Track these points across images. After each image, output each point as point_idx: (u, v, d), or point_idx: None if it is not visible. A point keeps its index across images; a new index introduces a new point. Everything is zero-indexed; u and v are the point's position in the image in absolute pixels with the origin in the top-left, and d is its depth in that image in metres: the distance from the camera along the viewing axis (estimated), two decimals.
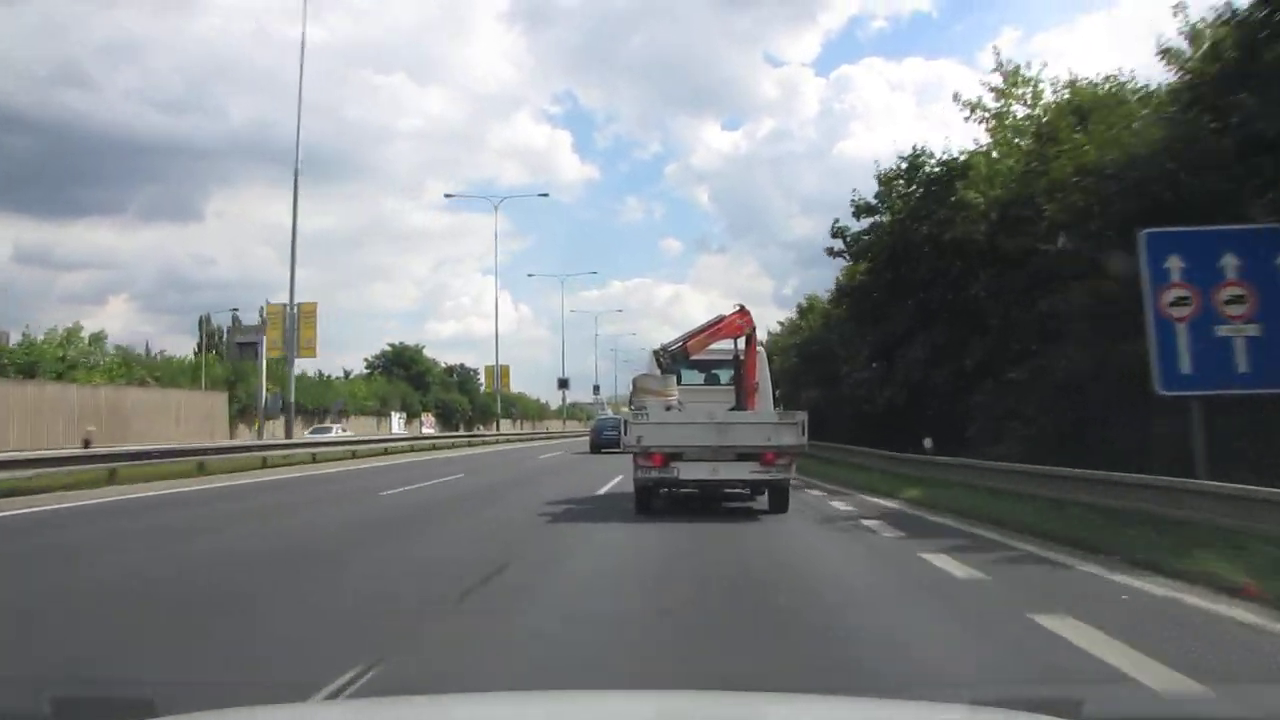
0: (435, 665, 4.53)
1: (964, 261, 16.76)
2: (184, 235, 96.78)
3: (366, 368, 70.95)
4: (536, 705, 2.51)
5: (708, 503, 12.25)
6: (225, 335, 72.36)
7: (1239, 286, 9.72)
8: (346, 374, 69.94)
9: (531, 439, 59.77)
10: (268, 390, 35.33)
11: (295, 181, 27.25)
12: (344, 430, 39.17)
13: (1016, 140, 16.97)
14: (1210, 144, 10.78)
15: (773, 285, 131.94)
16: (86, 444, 20.05)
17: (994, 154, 17.32)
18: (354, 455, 28.33)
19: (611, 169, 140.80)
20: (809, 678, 4.25)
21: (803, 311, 34.58)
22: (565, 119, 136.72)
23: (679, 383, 12.43)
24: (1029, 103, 17.03)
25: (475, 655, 4.73)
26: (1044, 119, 16.07)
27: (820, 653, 4.72)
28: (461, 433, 56.82)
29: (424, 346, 72.73)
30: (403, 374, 68.77)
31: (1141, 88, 14.95)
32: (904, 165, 19.69)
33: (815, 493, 14.97)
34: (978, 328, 16.25)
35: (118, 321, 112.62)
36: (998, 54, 17.60)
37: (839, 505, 12.95)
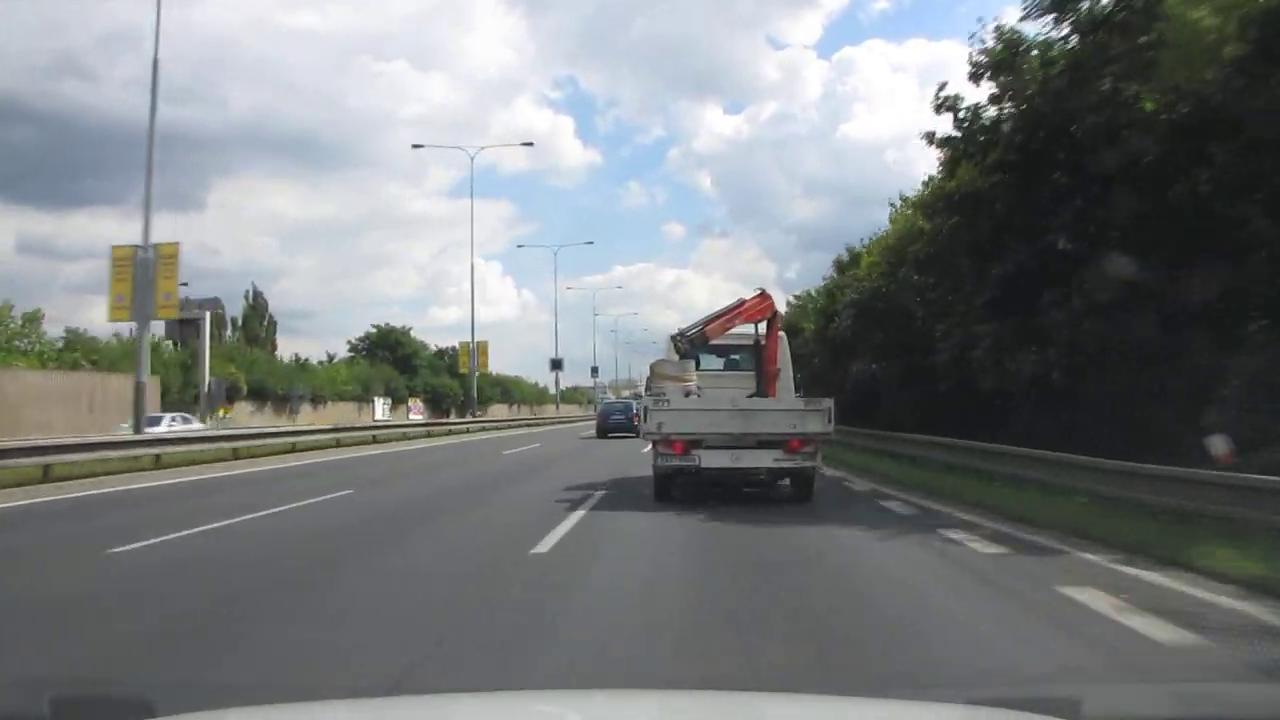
0: None
1: (1178, 136, 10.51)
2: (185, 224, 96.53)
3: (350, 351, 64.95)
4: (536, 705, 2.47)
5: (727, 491, 11.51)
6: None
7: None
8: (331, 358, 64.44)
9: (514, 426, 52.25)
10: (210, 374, 29.54)
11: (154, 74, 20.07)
12: (186, 423, 26.93)
13: None
14: None
15: (775, 269, 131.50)
16: None
17: None
18: (293, 449, 22.40)
19: (614, 154, 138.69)
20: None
21: (843, 266, 27.91)
22: (567, 104, 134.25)
23: (697, 368, 12.09)
24: None
25: None
26: None
27: None
28: (420, 420, 49.73)
29: (411, 328, 66.54)
30: (388, 357, 62.75)
31: None
32: None
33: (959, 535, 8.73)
34: (1208, 248, 10.20)
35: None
36: None
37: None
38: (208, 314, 27.53)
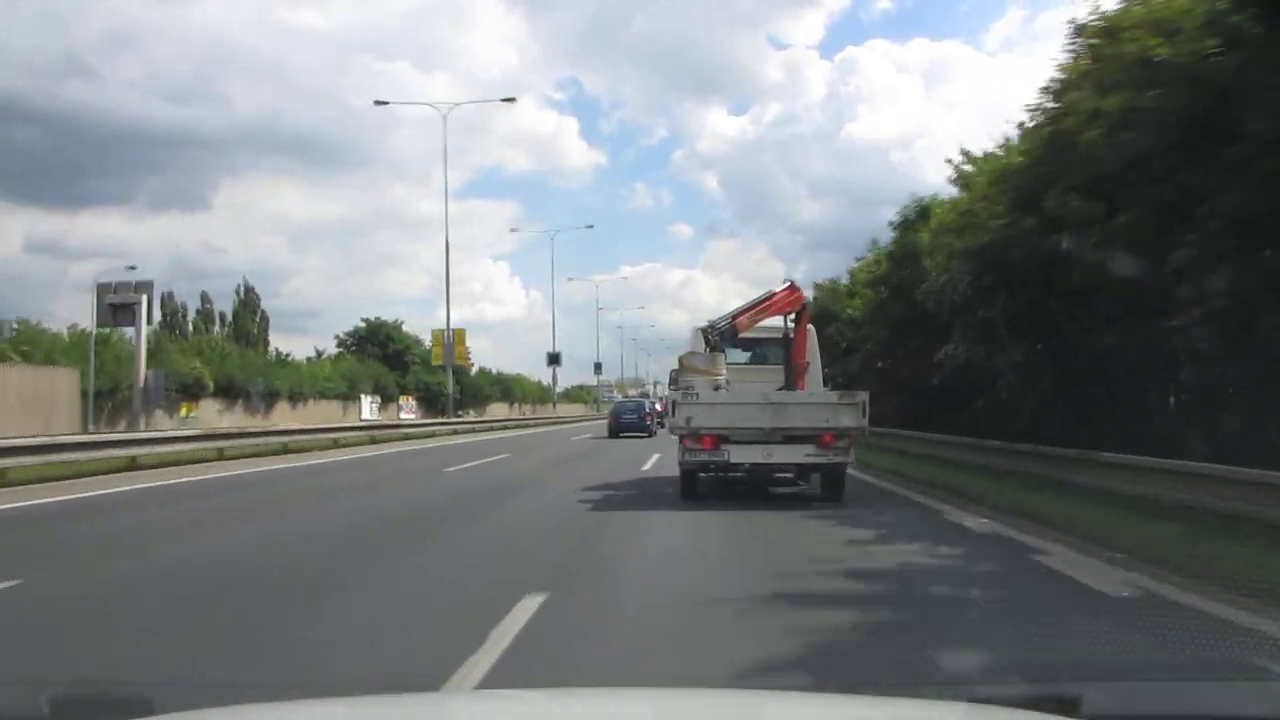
0: None
1: None
2: (193, 224, 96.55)
3: (338, 346, 61.29)
4: (536, 705, 2.45)
5: (755, 487, 11.70)
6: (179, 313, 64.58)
7: None
8: (320, 354, 60.86)
9: (494, 427, 45.98)
10: (159, 368, 25.78)
11: None
12: None
13: None
14: None
15: (783, 269, 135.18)
16: None
17: None
18: (218, 455, 18.50)
19: (618, 155, 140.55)
20: None
21: (908, 223, 20.32)
22: (571, 105, 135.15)
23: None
24: None
25: None
26: None
27: None
28: (369, 421, 43.11)
29: (403, 322, 62.71)
30: (378, 353, 59.01)
31: None
32: None
33: None
34: None
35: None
36: None
37: None
38: (144, 298, 23.58)
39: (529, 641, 4.83)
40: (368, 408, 54.13)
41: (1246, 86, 8.18)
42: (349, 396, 53.44)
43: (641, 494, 12.54)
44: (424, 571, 7.21)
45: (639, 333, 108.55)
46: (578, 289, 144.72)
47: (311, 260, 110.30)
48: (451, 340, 44.43)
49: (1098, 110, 9.83)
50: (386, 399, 56.99)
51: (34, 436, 15.41)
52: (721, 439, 10.56)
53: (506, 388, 79.05)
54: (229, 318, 65.62)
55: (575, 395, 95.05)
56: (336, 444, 24.04)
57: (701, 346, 11.74)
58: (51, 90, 74.05)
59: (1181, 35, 8.94)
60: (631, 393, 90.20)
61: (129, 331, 26.75)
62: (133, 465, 15.88)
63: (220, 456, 18.74)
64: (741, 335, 11.80)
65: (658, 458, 18.82)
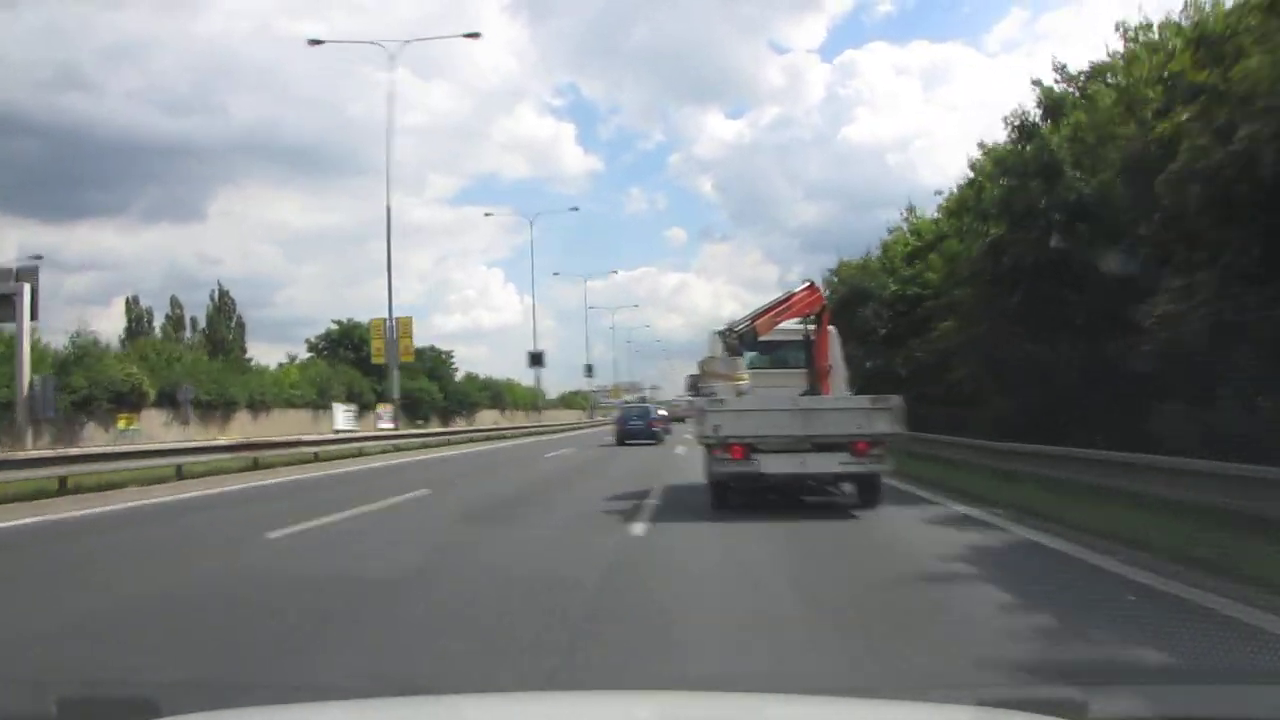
0: None
1: None
2: (188, 235, 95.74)
3: (309, 350, 56.72)
4: (536, 705, 2.46)
5: (785, 496, 10.95)
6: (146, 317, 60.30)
7: None
8: (292, 359, 56.37)
9: (451, 440, 38.91)
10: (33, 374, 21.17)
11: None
12: None
13: None
14: None
15: (777, 272, 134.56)
16: None
17: None
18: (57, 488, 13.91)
19: (615, 160, 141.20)
20: None
21: (964, 203, 17.33)
22: (568, 111, 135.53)
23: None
24: None
25: None
26: None
27: None
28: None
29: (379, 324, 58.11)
30: (351, 357, 54.40)
31: None
32: None
33: None
34: None
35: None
36: None
37: None
38: (25, 287, 19.00)
39: None
40: (341, 417, 49.54)
41: None
42: (320, 405, 48.92)
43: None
44: None
45: (634, 334, 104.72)
46: (571, 293, 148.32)
47: (306, 269, 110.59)
48: (395, 331, 37.22)
49: None
50: (363, 407, 52.43)
51: None
52: (751, 448, 10.12)
53: (497, 394, 74.23)
54: (201, 324, 61.29)
55: (570, 401, 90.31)
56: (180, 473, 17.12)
57: (719, 350, 11.33)
58: (49, 102, 74.07)
59: None
60: (627, 397, 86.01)
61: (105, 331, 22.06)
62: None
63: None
64: (761, 338, 11.39)
65: (655, 505, 12.01)
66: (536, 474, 18.18)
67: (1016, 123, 14.55)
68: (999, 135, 15.29)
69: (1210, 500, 8.21)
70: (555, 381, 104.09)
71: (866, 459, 10.09)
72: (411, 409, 59.58)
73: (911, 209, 22.60)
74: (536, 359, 50.84)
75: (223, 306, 63.36)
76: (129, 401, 34.64)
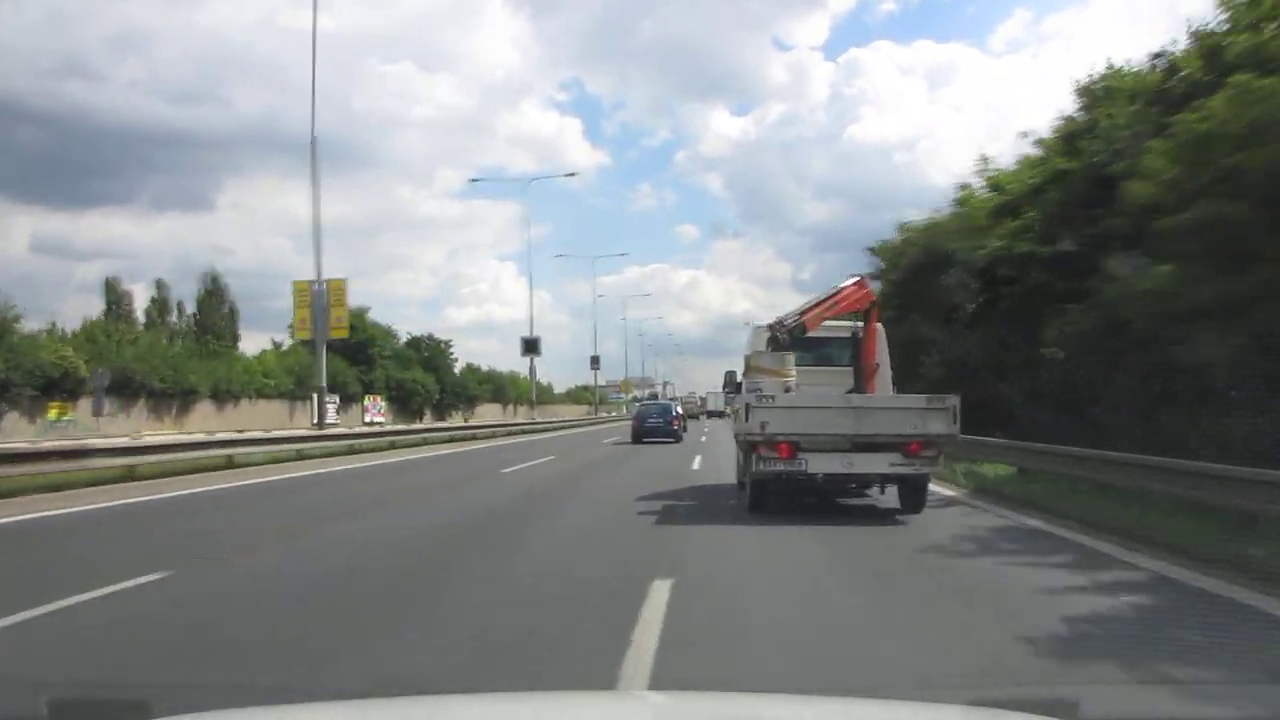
0: None
1: None
2: (199, 224, 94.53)
3: (293, 336, 52.04)
4: (536, 705, 2.45)
5: (822, 499, 10.61)
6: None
7: None
8: (276, 345, 52.00)
9: (393, 443, 26.91)
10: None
11: None
12: None
13: None
14: None
15: (790, 270, 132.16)
16: None
17: None
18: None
19: (622, 156, 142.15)
20: None
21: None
22: (574, 106, 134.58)
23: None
24: None
25: None
26: None
27: None
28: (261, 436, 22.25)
29: (368, 309, 53.60)
30: (337, 343, 49.62)
31: None
32: None
33: None
34: None
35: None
36: None
37: None
38: None
39: None
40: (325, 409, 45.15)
41: None
42: (298, 395, 44.48)
43: None
44: None
45: (646, 327, 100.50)
46: (583, 289, 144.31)
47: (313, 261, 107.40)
48: (325, 296, 25.42)
49: None
50: (346, 399, 47.94)
51: None
52: (799, 447, 9.69)
53: (500, 387, 69.38)
54: (184, 308, 57.03)
55: (578, 396, 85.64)
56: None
57: (763, 345, 11.11)
58: (56, 91, 72.00)
59: None
60: (636, 392, 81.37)
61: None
62: None
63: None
64: (805, 334, 11.05)
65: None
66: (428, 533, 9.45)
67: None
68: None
69: None
70: (565, 377, 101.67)
71: (918, 461, 9.74)
72: (403, 401, 55.15)
73: (985, 159, 17.95)
74: (531, 346, 44.56)
75: (214, 291, 58.95)
76: (63, 389, 30.26)
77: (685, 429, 34.81)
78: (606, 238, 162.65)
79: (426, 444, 28.82)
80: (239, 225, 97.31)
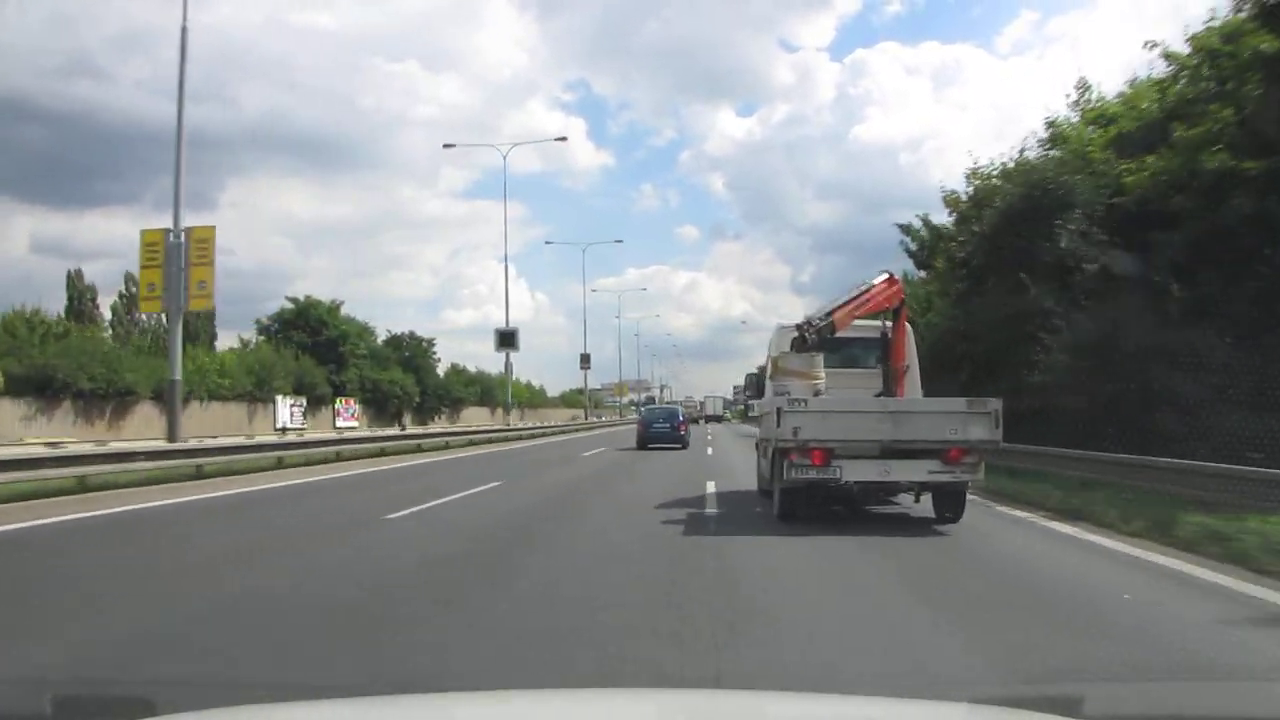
0: None
1: None
2: (200, 223, 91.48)
3: (259, 333, 47.89)
4: (536, 705, 2.43)
5: (850, 507, 10.21)
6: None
7: None
8: (245, 343, 47.69)
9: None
10: None
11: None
12: None
13: None
14: None
15: (789, 272, 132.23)
16: None
17: None
18: None
19: (626, 156, 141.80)
20: None
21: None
22: (579, 106, 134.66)
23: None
24: None
25: None
26: None
27: None
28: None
29: (341, 303, 49.17)
30: (306, 341, 45.42)
31: None
32: None
33: None
34: None
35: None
36: None
37: None
38: None
39: None
40: (286, 412, 40.90)
41: None
42: (258, 397, 40.23)
43: None
44: None
45: (643, 325, 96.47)
46: (577, 293, 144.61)
47: (318, 261, 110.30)
48: (187, 252, 18.45)
49: None
50: (315, 401, 43.66)
51: None
52: (833, 453, 9.33)
53: (487, 389, 64.66)
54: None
55: (571, 400, 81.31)
56: None
57: (788, 346, 10.70)
58: (59, 90, 72.45)
59: None
60: (632, 396, 77.21)
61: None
62: None
63: None
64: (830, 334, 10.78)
65: None
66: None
67: None
68: None
69: None
70: (560, 380, 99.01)
71: (959, 468, 9.26)
72: (379, 405, 50.85)
73: (1086, 86, 14.02)
74: (507, 339, 38.71)
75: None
76: None
77: (689, 434, 32.75)
78: (606, 238, 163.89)
79: (340, 459, 20.92)
80: (239, 225, 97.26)
